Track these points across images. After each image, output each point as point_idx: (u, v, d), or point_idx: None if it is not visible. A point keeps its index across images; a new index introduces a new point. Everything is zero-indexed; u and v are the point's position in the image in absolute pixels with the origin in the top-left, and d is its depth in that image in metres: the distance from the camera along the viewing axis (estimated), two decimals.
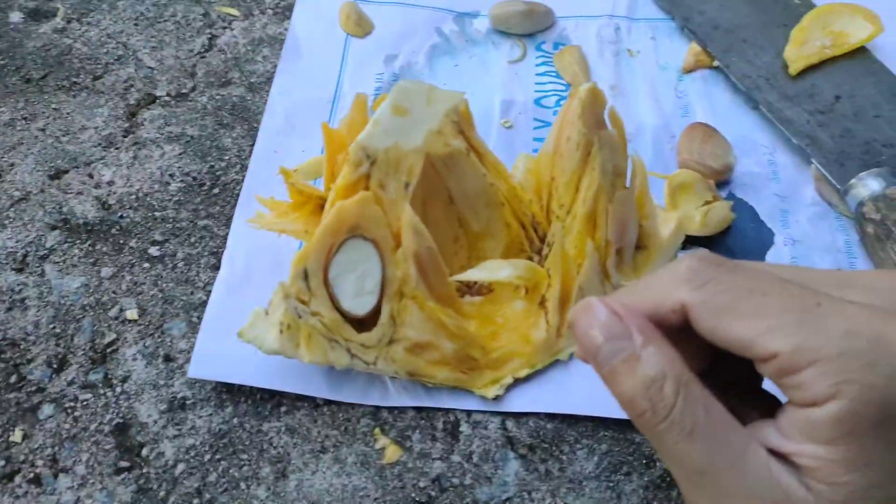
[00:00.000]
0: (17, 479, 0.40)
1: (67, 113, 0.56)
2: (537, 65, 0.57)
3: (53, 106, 0.56)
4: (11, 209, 0.51)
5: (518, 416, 0.42)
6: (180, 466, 0.41)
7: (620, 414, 0.39)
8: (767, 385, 0.26)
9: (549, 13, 0.59)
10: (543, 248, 0.43)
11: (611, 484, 0.39)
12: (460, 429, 0.41)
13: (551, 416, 0.41)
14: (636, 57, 0.58)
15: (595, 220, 0.40)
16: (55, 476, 0.40)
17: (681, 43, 0.58)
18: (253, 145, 0.53)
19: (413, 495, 0.39)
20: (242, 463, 0.41)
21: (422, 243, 0.38)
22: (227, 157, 0.53)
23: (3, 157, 0.54)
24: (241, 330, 0.38)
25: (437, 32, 0.59)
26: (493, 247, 0.42)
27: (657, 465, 0.40)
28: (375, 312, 0.38)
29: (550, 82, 0.56)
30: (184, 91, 0.57)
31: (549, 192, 0.42)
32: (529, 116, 0.54)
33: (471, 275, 0.39)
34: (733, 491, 0.24)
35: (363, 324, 0.38)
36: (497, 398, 0.41)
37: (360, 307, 0.38)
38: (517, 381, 0.41)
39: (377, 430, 0.41)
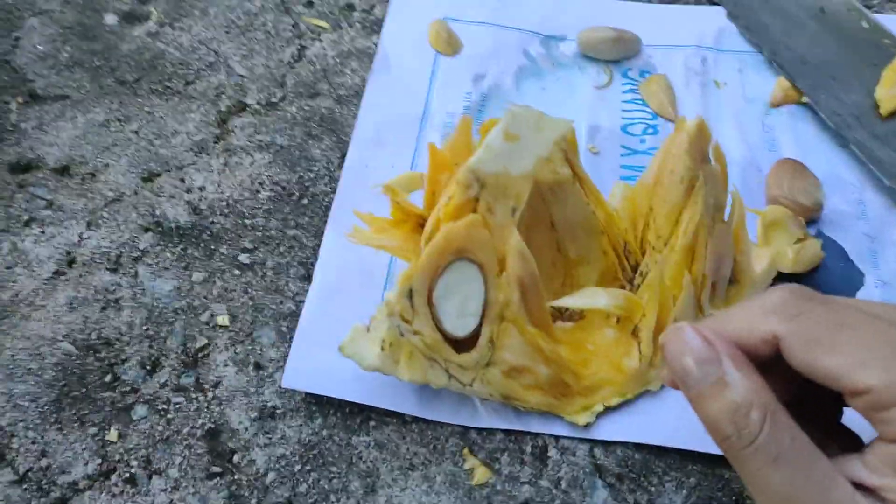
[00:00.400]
0: (114, 477, 0.41)
1: (160, 116, 0.57)
2: (623, 91, 0.58)
3: (147, 109, 0.57)
4: (105, 209, 0.52)
5: (606, 444, 0.42)
6: (271, 475, 0.41)
7: (710, 448, 0.39)
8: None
9: (636, 41, 0.59)
10: (635, 278, 0.43)
11: None
12: (549, 454, 0.42)
13: (639, 447, 0.42)
14: (723, 89, 0.58)
15: (693, 254, 0.41)
16: (149, 477, 0.41)
17: (768, 76, 0.58)
18: (341, 157, 0.54)
19: None
20: (332, 475, 0.41)
21: (527, 269, 0.38)
22: (315, 168, 0.54)
23: (97, 157, 0.55)
24: (342, 345, 0.39)
25: (525, 54, 0.60)
26: (587, 273, 0.42)
27: (746, 502, 0.40)
28: (475, 335, 0.39)
29: (637, 110, 0.56)
30: (273, 100, 0.58)
31: (646, 223, 0.42)
32: (616, 143, 0.54)
33: (569, 301, 0.40)
34: None
35: (462, 345, 0.39)
36: (587, 425, 0.41)
37: (462, 328, 0.38)
38: (606, 409, 0.42)
39: (466, 451, 0.42)
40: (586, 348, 0.42)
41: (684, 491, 0.40)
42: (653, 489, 0.40)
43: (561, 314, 0.43)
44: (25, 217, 0.51)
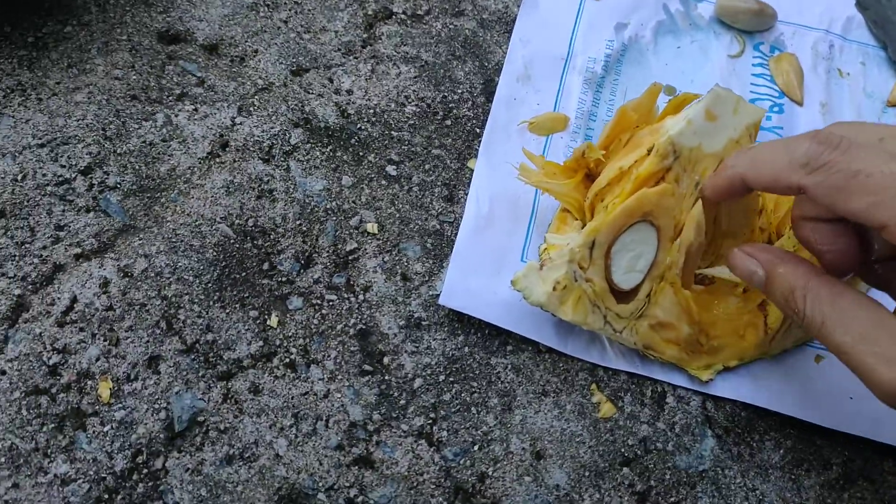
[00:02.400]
0: (275, 360, 0.45)
1: (309, 10, 0.57)
2: (753, 65, 0.60)
3: None
4: (255, 97, 0.53)
5: (717, 399, 0.47)
6: (418, 381, 0.45)
7: (808, 417, 0.44)
8: None
9: (773, 16, 0.61)
10: None
11: (793, 476, 0.45)
12: (666, 400, 0.46)
13: (746, 406, 0.47)
14: (846, 79, 0.60)
15: None
16: (307, 366, 0.45)
17: (889, 74, 0.61)
18: (484, 84, 0.56)
19: (622, 450, 0.45)
20: (473, 390, 0.45)
21: (698, 238, 0.41)
22: (459, 91, 0.56)
23: (247, 42, 0.55)
24: (515, 278, 0.42)
25: (664, 9, 0.61)
26: (730, 245, 0.46)
27: (833, 468, 0.45)
28: (635, 289, 0.42)
29: (764, 85, 0.59)
30: (419, 13, 0.59)
31: (790, 209, 0.46)
32: None
33: (719, 271, 0.44)
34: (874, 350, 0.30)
35: (621, 296, 0.43)
36: (707, 382, 0.46)
37: (627, 282, 0.42)
38: (724, 369, 0.46)
39: (594, 386, 0.46)
40: (713, 310, 0.47)
41: (781, 450, 0.45)
42: (754, 445, 0.46)
43: (695, 277, 0.47)
44: (178, 91, 0.52)
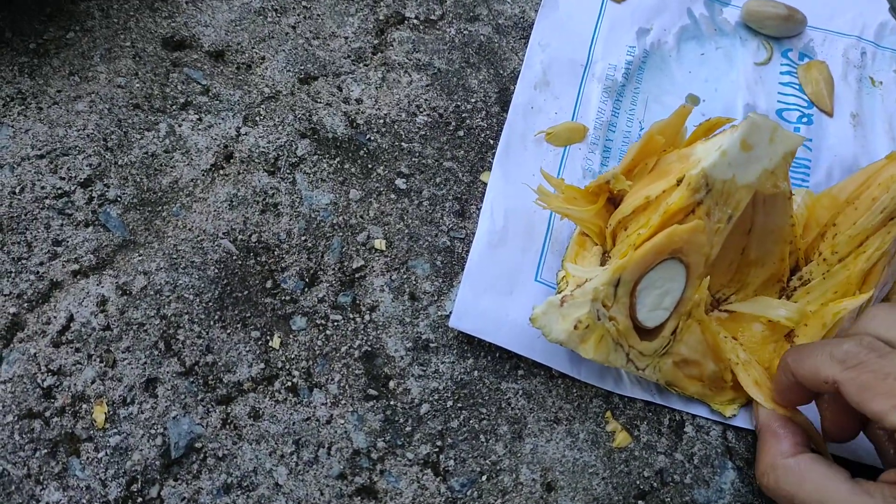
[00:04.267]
0: (277, 384, 0.43)
1: (318, 15, 0.56)
2: (781, 73, 0.57)
3: (304, 4, 0.56)
4: (262, 105, 0.52)
5: (739, 429, 0.44)
6: (425, 406, 0.43)
7: (833, 449, 0.42)
8: None
9: (803, 21, 0.58)
10: (792, 280, 0.45)
11: None
12: (685, 430, 0.44)
13: None
14: (878, 88, 0.58)
15: (866, 277, 0.42)
16: (310, 390, 0.43)
17: None
18: (498, 93, 0.54)
19: (637, 482, 0.42)
20: (482, 416, 0.43)
21: None
22: (473, 100, 0.54)
23: (253, 48, 0.54)
24: (534, 315, 0.40)
25: (688, 14, 0.58)
26: (757, 274, 0.44)
27: None
28: (660, 326, 0.40)
29: (793, 94, 0.56)
30: (432, 17, 0.57)
31: (822, 234, 0.44)
32: None
33: (747, 308, 0.42)
34: None
35: (644, 333, 0.40)
36: (731, 417, 0.43)
37: (653, 320, 0.40)
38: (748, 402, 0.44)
39: (609, 414, 0.44)
40: (734, 339, 0.44)
41: None
42: None
43: (717, 304, 0.45)
44: (182, 100, 0.51)
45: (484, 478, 0.42)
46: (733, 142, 0.37)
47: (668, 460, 0.43)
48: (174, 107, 0.50)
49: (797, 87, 0.57)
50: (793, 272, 0.45)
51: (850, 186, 0.42)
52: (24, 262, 0.44)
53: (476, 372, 0.45)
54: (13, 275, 0.44)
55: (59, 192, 0.47)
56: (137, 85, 0.51)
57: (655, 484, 0.43)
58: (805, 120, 0.55)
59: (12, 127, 0.48)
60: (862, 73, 0.58)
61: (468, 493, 0.41)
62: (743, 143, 0.37)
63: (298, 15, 0.55)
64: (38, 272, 0.44)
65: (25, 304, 0.43)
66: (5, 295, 0.43)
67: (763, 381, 0.41)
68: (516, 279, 0.46)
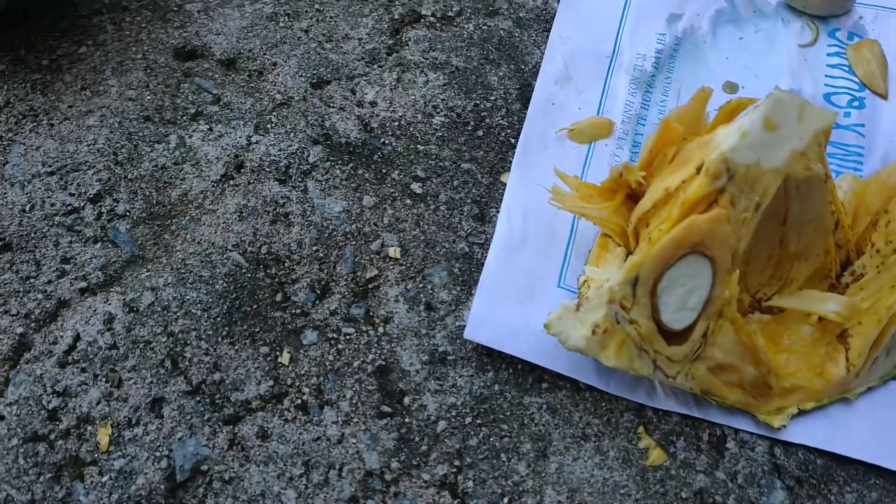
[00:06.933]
0: (286, 402, 0.41)
1: (331, 17, 0.54)
2: (829, 54, 0.53)
3: (317, 6, 0.54)
4: (273, 113, 0.50)
5: (787, 443, 0.40)
6: (441, 423, 0.41)
7: None
8: None
9: None
10: (844, 275, 0.41)
11: None
12: (727, 445, 0.40)
13: (822, 452, 0.40)
14: None
15: None
16: (321, 407, 0.41)
17: None
18: (519, 89, 0.51)
19: None
20: (503, 434, 0.41)
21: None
22: (492, 98, 0.51)
23: (265, 54, 0.52)
24: (549, 321, 0.37)
25: None
26: (801, 269, 0.40)
27: None
28: (689, 328, 0.37)
29: (842, 77, 0.52)
30: (450, 14, 0.54)
31: (874, 222, 0.39)
32: None
33: (792, 302, 0.38)
34: None
35: (672, 337, 0.37)
36: (780, 428, 0.39)
37: (679, 322, 0.36)
38: (799, 412, 0.40)
39: (641, 429, 0.41)
40: (781, 342, 0.40)
41: None
42: (832, 498, 0.39)
43: (759, 304, 0.41)
44: (192, 110, 0.50)
45: (506, 500, 0.39)
46: (755, 121, 0.34)
47: (709, 480, 0.40)
48: (185, 118, 0.49)
49: (847, 69, 0.52)
50: (844, 267, 0.41)
51: None
52: (32, 280, 0.43)
53: (497, 386, 0.42)
54: (21, 294, 0.43)
55: (69, 208, 0.46)
56: (148, 97, 0.50)
57: None
58: (856, 104, 0.51)
59: (24, 144, 0.48)
60: None
61: None
62: (766, 123, 0.34)
63: (311, 18, 0.53)
64: (45, 291, 0.43)
65: (33, 324, 0.42)
66: (13, 315, 0.42)
67: None
68: (537, 285, 0.43)
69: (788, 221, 0.38)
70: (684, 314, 0.36)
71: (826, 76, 0.52)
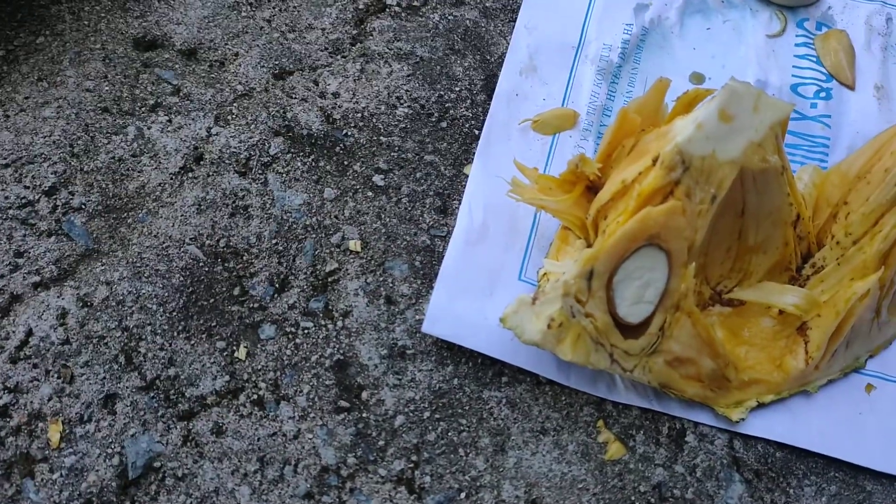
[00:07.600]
0: (242, 397, 0.40)
1: (295, 7, 0.53)
2: (797, 45, 0.52)
3: None
4: (234, 104, 0.49)
5: (746, 436, 0.40)
6: (399, 418, 0.40)
7: (858, 459, 0.37)
8: None
9: None
10: (804, 268, 0.41)
11: None
12: (686, 438, 0.40)
13: (782, 445, 0.40)
14: None
15: (885, 259, 0.37)
16: (277, 402, 0.40)
17: None
18: (485, 80, 0.50)
19: (633, 498, 0.39)
20: (462, 428, 0.40)
21: None
22: (457, 89, 0.50)
23: (227, 44, 0.51)
24: (505, 315, 0.37)
25: None
26: (760, 262, 0.39)
27: None
28: (645, 322, 0.36)
29: (809, 68, 0.51)
30: (415, 4, 0.54)
31: (834, 214, 0.39)
32: None
33: (750, 295, 0.37)
34: None
35: (629, 330, 0.37)
36: (738, 422, 0.39)
37: (635, 315, 0.36)
38: (758, 405, 0.40)
39: (601, 423, 0.40)
40: (741, 335, 0.40)
41: (823, 498, 0.39)
42: (791, 491, 0.39)
43: (720, 297, 0.41)
44: (151, 101, 0.49)
45: (463, 495, 0.39)
46: (710, 112, 0.33)
47: (667, 473, 0.39)
48: (143, 109, 0.48)
49: (814, 59, 0.52)
50: (805, 259, 0.41)
51: (860, 160, 0.38)
52: None
53: (456, 380, 0.41)
54: None
55: (23, 201, 0.45)
56: (106, 88, 0.49)
57: (653, 500, 0.39)
58: (823, 95, 0.50)
59: None
60: (887, 42, 0.53)
61: None
62: (721, 114, 0.33)
63: (274, 8, 0.53)
64: None
65: None
66: None
67: None
68: (497, 279, 0.42)
69: (746, 214, 0.37)
70: (641, 307, 0.36)
71: (794, 66, 0.51)
